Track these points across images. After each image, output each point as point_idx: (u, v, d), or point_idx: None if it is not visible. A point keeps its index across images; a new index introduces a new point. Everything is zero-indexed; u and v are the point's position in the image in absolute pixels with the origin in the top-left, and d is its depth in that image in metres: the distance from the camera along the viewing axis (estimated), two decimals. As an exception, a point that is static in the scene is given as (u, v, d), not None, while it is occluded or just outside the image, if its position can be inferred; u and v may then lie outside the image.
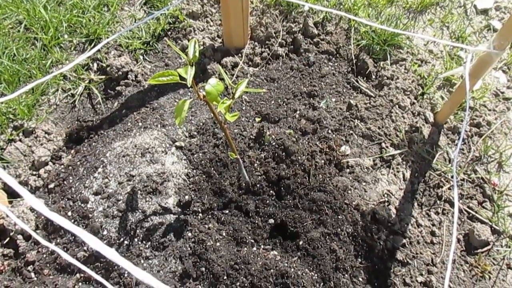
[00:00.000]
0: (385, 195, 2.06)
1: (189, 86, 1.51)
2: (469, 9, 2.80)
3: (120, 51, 2.61)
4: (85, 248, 1.85)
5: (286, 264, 1.72)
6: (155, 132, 2.14)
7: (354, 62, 2.57)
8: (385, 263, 1.90)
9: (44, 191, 2.08)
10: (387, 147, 2.21)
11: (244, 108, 2.39)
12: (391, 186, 2.10)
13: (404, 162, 2.18)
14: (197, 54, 1.58)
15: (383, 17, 2.71)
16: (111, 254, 0.85)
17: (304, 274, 1.70)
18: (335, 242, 1.82)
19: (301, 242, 1.81)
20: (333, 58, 2.61)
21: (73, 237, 1.88)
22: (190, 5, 2.81)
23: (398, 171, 2.15)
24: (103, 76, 2.51)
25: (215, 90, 1.68)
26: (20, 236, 1.96)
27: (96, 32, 2.59)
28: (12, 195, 2.12)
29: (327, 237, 1.83)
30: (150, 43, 2.65)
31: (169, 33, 2.72)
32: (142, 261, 1.81)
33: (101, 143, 2.16)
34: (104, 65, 2.51)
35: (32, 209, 2.02)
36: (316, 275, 1.73)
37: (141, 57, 2.61)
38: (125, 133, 2.18)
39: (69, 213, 1.91)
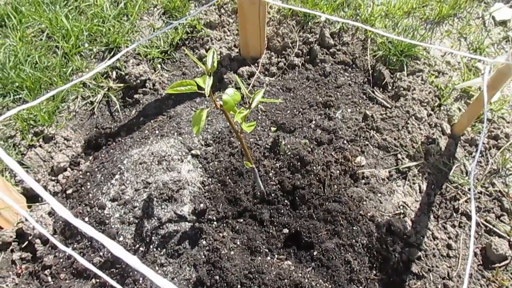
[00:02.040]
0: (401, 207, 2.05)
1: (207, 96, 1.53)
2: (487, 20, 2.78)
3: (139, 59, 2.66)
4: (101, 253, 1.87)
5: (300, 275, 1.72)
6: (171, 140, 2.17)
7: (370, 72, 2.57)
8: (400, 276, 1.89)
9: (62, 197, 2.11)
10: (403, 158, 2.20)
11: (259, 117, 2.41)
12: (407, 197, 2.09)
13: (420, 174, 2.16)
14: (215, 64, 1.60)
15: (400, 28, 2.70)
16: (133, 261, 0.86)
17: (318, 285, 1.69)
18: (349, 253, 1.81)
19: (315, 253, 1.81)
20: (349, 69, 2.62)
21: (89, 243, 1.90)
22: (207, 15, 2.85)
23: (414, 183, 2.14)
24: (122, 84, 2.55)
25: (232, 99, 1.69)
26: (38, 240, 1.99)
27: (116, 41, 2.64)
28: (31, 199, 2.17)
29: (342, 248, 1.82)
30: (168, 52, 2.69)
31: (187, 42, 2.76)
32: (157, 268, 1.83)
33: (118, 150, 2.19)
34: (123, 73, 2.56)
35: (50, 214, 2.06)
36: (330, 286, 1.72)
37: (159, 66, 2.65)
38: (142, 141, 2.21)
39: (86, 219, 1.94)
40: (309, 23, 2.76)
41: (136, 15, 2.80)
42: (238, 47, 2.73)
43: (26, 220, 2.04)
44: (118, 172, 2.03)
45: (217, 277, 1.78)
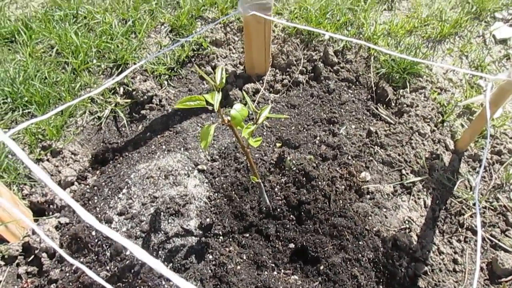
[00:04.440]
0: (406, 222, 2.06)
1: (216, 111, 1.56)
2: (488, 39, 2.83)
3: (146, 76, 2.70)
4: (107, 267, 1.87)
5: (307, 289, 1.72)
6: (178, 155, 2.19)
7: (373, 89, 2.61)
8: (407, 291, 1.89)
9: (69, 210, 2.12)
10: (407, 173, 2.22)
11: (265, 133, 2.44)
12: (412, 212, 2.10)
13: (425, 189, 2.18)
14: (223, 80, 1.64)
15: (402, 46, 2.76)
16: (157, 265, 0.89)
17: (325, 299, 1.70)
18: (356, 268, 1.82)
19: (322, 267, 1.81)
20: (353, 86, 2.66)
21: (96, 256, 1.91)
22: (213, 33, 2.91)
23: (419, 198, 2.15)
24: (129, 100, 2.59)
25: (240, 115, 1.73)
26: (44, 254, 2.00)
27: (124, 57, 2.69)
28: (38, 213, 2.18)
29: (348, 262, 1.82)
30: (175, 69, 2.74)
31: (193, 59, 2.81)
32: (163, 282, 1.83)
33: (125, 165, 2.21)
34: (130, 89, 2.60)
35: (57, 228, 2.07)
36: (337, 300, 1.72)
37: (166, 82, 2.69)
38: (149, 156, 2.23)
39: (93, 233, 1.95)
40: (313, 41, 2.81)
41: (144, 32, 2.86)
42: (243, 65, 2.78)
43: (33, 233, 2.05)
44: (126, 186, 2.04)
45: (224, 292, 1.78)
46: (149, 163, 2.15)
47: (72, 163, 2.28)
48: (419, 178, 2.19)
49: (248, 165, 2.25)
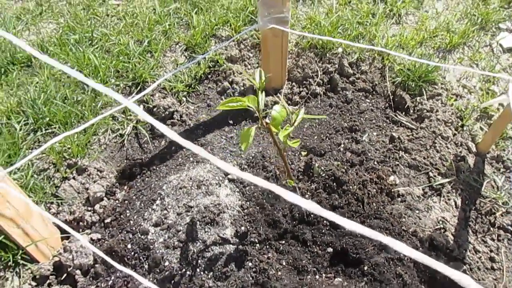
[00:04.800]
0: (440, 222, 2.06)
1: (261, 110, 1.58)
2: (495, 48, 2.94)
3: (164, 93, 2.72)
4: (146, 280, 1.83)
5: (354, 290, 1.70)
6: (207, 166, 2.19)
7: (391, 98, 2.66)
8: (448, 290, 1.87)
9: (100, 226, 2.09)
10: (435, 176, 2.25)
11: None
12: (445, 213, 2.11)
13: (454, 190, 2.20)
14: (263, 80, 1.67)
15: (414, 56, 2.83)
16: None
17: (374, 299, 1.68)
18: (399, 267, 1.81)
19: (365, 268, 1.80)
20: (370, 95, 2.71)
21: (133, 269, 1.87)
22: (228, 50, 2.96)
23: (449, 199, 2.17)
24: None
25: (280, 116, 1.75)
26: (78, 271, 1.95)
27: (142, 76, 2.71)
28: (65, 231, 2.13)
29: (391, 262, 1.82)
30: (192, 85, 2.77)
31: (209, 76, 2.85)
32: (205, 292, 1.79)
33: (155, 178, 2.20)
34: (151, 106, 2.61)
35: (91, 243, 2.03)
36: (386, 300, 1.70)
37: (184, 99, 2.71)
38: (178, 167, 2.23)
39: (129, 246, 1.92)
40: (327, 54, 2.88)
41: (160, 51, 2.90)
42: (259, 80, 2.82)
43: (64, 251, 2.00)
44: (159, 198, 2.03)
45: (268, 298, 1.75)
46: (179, 174, 2.14)
47: (99, 180, 2.26)
48: (447, 180, 2.22)
49: (277, 173, 2.26)
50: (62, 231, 2.13)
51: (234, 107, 1.63)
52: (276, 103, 2.68)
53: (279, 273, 1.83)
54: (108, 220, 2.08)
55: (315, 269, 1.87)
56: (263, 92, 1.63)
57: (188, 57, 2.95)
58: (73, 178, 2.27)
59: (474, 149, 2.37)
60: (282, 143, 1.83)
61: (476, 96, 2.65)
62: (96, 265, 1.94)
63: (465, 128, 2.47)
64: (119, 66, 2.77)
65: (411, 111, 2.59)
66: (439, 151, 2.34)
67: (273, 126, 1.73)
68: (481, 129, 2.47)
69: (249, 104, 1.68)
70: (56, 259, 2.01)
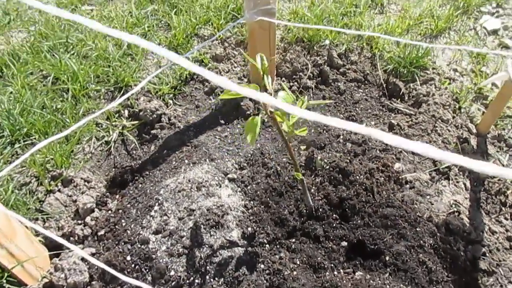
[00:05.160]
0: (453, 205, 1.99)
1: (271, 92, 1.47)
2: (480, 31, 2.93)
3: (149, 96, 2.57)
4: (151, 293, 1.67)
5: (379, 282, 1.59)
6: (205, 166, 2.05)
7: (384, 86, 2.60)
8: (470, 275, 1.79)
9: (93, 239, 1.91)
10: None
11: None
12: (456, 196, 2.04)
13: (461, 173, 2.14)
14: (265, 64, 1.57)
15: (402, 44, 2.79)
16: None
17: (401, 290, 1.57)
18: (421, 254, 1.71)
19: (387, 258, 1.69)
20: (362, 85, 2.64)
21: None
22: (212, 49, 2.85)
23: (458, 182, 2.11)
24: (136, 122, 2.44)
25: (286, 101, 1.64)
26: (73, 291, 1.77)
27: (125, 80, 2.56)
28: (53, 249, 1.95)
29: (412, 250, 1.72)
30: (178, 87, 2.63)
31: (195, 76, 2.72)
32: (216, 300, 1.65)
33: (149, 183, 2.04)
34: (136, 110, 2.46)
35: (84, 260, 1.85)
36: (413, 289, 1.60)
37: (171, 101, 2.57)
38: (173, 171, 2.08)
39: (128, 257, 1.75)
40: (314, 47, 2.80)
41: (141, 54, 2.75)
42: (246, 77, 2.71)
43: (56, 271, 1.81)
44: (157, 204, 1.87)
45: (287, 300, 1.62)
46: (176, 177, 1.99)
47: (87, 190, 2.09)
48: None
49: (279, 169, 2.14)
50: (51, 249, 1.94)
51: (239, 95, 1.51)
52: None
53: (295, 272, 1.71)
54: (101, 232, 1.91)
55: (332, 265, 1.75)
56: (268, 76, 1.52)
57: (170, 60, 2.81)
58: (59, 190, 2.08)
59: (474, 130, 2.33)
60: (287, 134, 1.72)
61: (468, 78, 2.62)
62: (93, 283, 1.77)
63: (462, 111, 2.43)
64: (99, 71, 2.60)
65: (406, 98, 2.54)
66: (441, 135, 2.28)
67: (280, 114, 1.62)
68: (479, 110, 2.43)
69: (253, 89, 1.57)
70: (46, 280, 1.82)
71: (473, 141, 2.27)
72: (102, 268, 1.72)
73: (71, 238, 1.93)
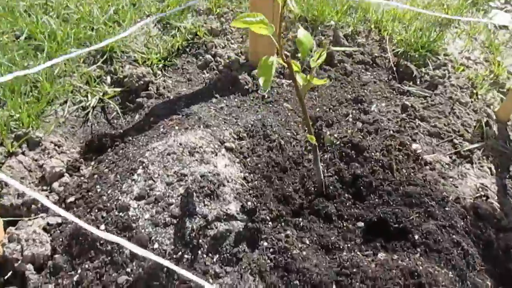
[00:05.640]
0: (480, 189, 1.76)
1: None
2: (489, 24, 2.79)
3: (136, 65, 2.29)
4: (128, 269, 1.35)
5: (410, 262, 1.32)
6: (199, 132, 1.77)
7: (394, 70, 2.40)
8: (504, 265, 1.54)
9: (61, 207, 1.58)
10: (460, 143, 1.96)
11: (289, 114, 2.09)
12: (482, 180, 1.81)
13: (484, 157, 1.92)
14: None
15: (411, 29, 2.61)
16: None
17: (436, 272, 1.30)
18: (454, 235, 1.46)
19: (416, 237, 1.43)
20: (370, 68, 2.43)
21: (109, 258, 1.38)
22: (207, 23, 2.60)
23: (482, 166, 1.88)
24: (119, 89, 2.15)
25: (307, 40, 1.40)
26: (29, 266, 1.43)
27: (109, 44, 2.27)
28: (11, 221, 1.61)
29: (444, 229, 1.46)
30: (168, 58, 2.36)
31: (188, 49, 2.46)
32: (210, 280, 1.34)
33: (132, 148, 1.74)
34: (121, 76, 2.18)
35: (46, 230, 1.52)
36: (450, 272, 1.33)
37: (160, 72, 2.29)
38: (162, 136, 1.79)
39: (102, 226, 1.43)
40: (319, 27, 2.60)
41: (129, 22, 2.48)
42: (244, 54, 2.47)
43: (10, 241, 1.47)
44: (140, 167, 1.57)
45: (297, 282, 1.33)
46: (166, 140, 1.70)
47: (57, 155, 1.76)
48: (476, 145, 1.94)
49: (282, 143, 1.88)
50: (6, 217, 1.60)
51: (253, 23, 1.27)
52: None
53: (304, 252, 1.42)
54: (71, 199, 1.59)
55: (347, 245, 1.48)
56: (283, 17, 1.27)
57: (162, 29, 2.55)
58: (22, 153, 1.75)
59: (493, 117, 2.13)
60: (302, 87, 1.47)
61: (482, 66, 2.45)
62: (56, 256, 1.43)
63: (479, 97, 2.24)
64: (80, 34, 2.31)
65: (418, 82, 2.33)
66: (459, 117, 2.07)
67: (301, 51, 1.38)
68: (496, 97, 2.25)
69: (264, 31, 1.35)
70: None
71: (494, 127, 2.07)
72: (68, 239, 1.39)
73: (33, 206, 1.60)
